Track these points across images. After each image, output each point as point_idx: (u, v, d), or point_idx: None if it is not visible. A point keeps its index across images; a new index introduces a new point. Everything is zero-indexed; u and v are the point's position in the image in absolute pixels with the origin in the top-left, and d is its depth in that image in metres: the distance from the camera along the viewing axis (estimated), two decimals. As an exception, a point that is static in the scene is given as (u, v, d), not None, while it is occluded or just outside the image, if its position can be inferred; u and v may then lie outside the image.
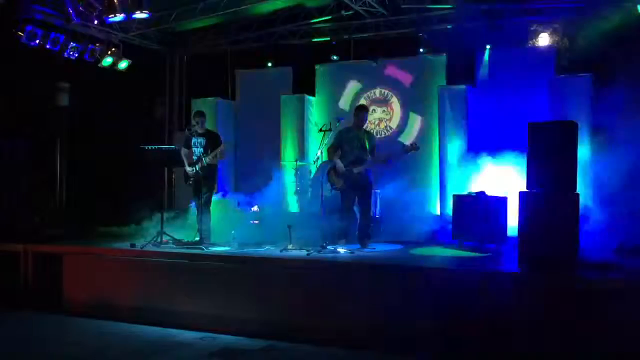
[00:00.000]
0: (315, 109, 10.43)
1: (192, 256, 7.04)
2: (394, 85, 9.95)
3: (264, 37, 10.75)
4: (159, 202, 8.41)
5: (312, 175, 9.41)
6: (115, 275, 7.21)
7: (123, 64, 10.01)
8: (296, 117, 10.27)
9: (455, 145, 8.94)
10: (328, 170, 7.68)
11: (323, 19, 10.16)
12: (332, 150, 7.65)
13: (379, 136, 9.79)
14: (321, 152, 8.49)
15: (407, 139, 9.54)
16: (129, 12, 8.38)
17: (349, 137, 7.60)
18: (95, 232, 9.13)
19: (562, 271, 5.52)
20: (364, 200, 7.62)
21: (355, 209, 7.74)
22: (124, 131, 10.54)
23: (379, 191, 8.60)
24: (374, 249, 7.41)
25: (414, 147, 7.50)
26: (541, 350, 5.23)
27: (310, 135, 10.22)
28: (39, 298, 7.58)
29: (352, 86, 10.22)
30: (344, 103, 10.25)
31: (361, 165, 7.48)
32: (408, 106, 9.83)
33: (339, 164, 7.52)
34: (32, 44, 8.66)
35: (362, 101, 10.02)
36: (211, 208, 8.14)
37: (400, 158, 7.93)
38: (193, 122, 8.17)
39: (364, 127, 7.92)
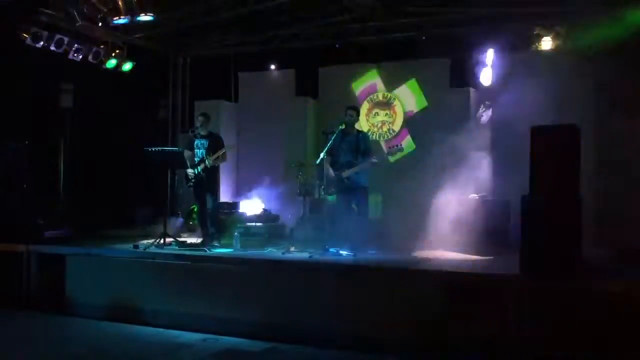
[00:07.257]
0: (319, 112, 10.44)
1: (195, 258, 7.05)
2: (397, 88, 9.96)
3: (266, 40, 10.75)
4: (162, 203, 8.43)
5: (314, 178, 9.41)
6: (117, 276, 7.22)
7: (127, 66, 10.03)
8: (299, 119, 10.28)
9: (457, 148, 8.93)
10: (324, 174, 7.64)
11: (326, 21, 10.15)
12: (327, 154, 7.49)
13: (381, 139, 9.79)
14: (324, 155, 8.49)
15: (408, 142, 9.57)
16: (133, 15, 8.41)
17: (340, 140, 7.46)
18: (98, 233, 9.13)
19: (564, 276, 5.52)
20: (359, 204, 7.52)
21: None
22: (127, 132, 10.55)
23: (380, 193, 8.59)
24: (374, 252, 7.36)
25: (394, 148, 7.77)
26: (541, 354, 5.22)
27: (313, 138, 10.23)
28: (40, 299, 7.59)
29: (355, 89, 10.23)
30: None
31: (350, 169, 7.37)
32: (411, 109, 9.82)
33: (330, 170, 7.46)
34: (37, 45, 8.68)
35: (365, 104, 10.03)
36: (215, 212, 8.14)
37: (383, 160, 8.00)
38: (197, 123, 8.19)
39: (355, 127, 7.78)
